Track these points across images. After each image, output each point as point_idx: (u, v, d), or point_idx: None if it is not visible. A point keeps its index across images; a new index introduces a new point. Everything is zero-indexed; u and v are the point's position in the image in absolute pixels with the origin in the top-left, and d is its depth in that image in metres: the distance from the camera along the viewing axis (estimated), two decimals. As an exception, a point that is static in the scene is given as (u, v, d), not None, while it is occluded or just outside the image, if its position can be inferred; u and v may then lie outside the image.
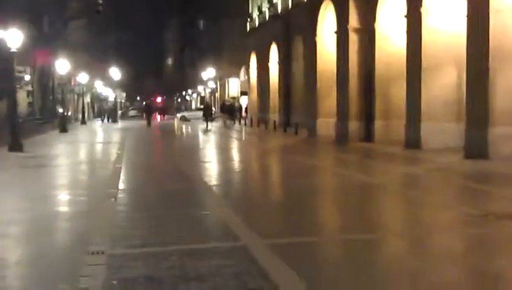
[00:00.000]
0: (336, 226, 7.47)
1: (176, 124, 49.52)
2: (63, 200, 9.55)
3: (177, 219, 7.52)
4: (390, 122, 21.34)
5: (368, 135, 21.98)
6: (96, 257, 5.76)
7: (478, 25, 15.27)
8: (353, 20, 22.02)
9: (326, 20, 25.03)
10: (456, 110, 18.13)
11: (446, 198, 9.59)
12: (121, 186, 11.11)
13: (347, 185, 10.99)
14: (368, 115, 22.03)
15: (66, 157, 17.88)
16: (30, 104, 40.54)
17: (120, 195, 9.95)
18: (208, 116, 40.03)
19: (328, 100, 25.22)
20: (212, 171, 13.80)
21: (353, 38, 22.08)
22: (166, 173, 13.56)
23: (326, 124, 25.06)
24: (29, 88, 40.51)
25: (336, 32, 23.32)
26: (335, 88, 23.94)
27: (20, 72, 41.33)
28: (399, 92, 20.58)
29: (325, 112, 25.45)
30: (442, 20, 17.89)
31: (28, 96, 41.88)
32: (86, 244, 6.22)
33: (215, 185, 11.13)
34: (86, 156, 18.99)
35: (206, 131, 33.88)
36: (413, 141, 18.29)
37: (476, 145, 15.14)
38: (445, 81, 18.11)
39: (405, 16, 18.92)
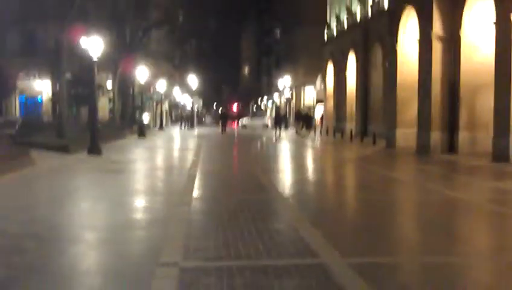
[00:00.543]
0: (420, 247, 6.87)
1: (250, 132, 49.54)
2: (137, 206, 9.46)
3: (252, 231, 7.19)
4: (476, 133, 20.28)
5: (451, 146, 20.96)
6: (167, 269, 5.51)
7: None
8: (437, 28, 21.10)
9: (408, 27, 24.16)
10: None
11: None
12: (196, 193, 10.94)
13: (433, 201, 10.30)
14: (451, 126, 21.01)
15: (142, 162, 18.05)
16: (111, 110, 41.80)
17: (194, 203, 9.76)
18: (279, 124, 39.59)
19: (408, 110, 24.33)
20: (287, 181, 13.41)
21: (437, 47, 21.15)
22: (240, 181, 13.32)
23: (405, 134, 24.17)
24: (111, 95, 41.82)
25: (418, 41, 22.43)
26: (416, 97, 23.04)
27: (102, 79, 42.91)
28: (485, 102, 19.56)
29: (404, 122, 24.56)
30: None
31: (109, 102, 43.24)
32: (158, 255, 6.00)
33: (291, 196, 10.74)
34: (162, 162, 19.11)
35: (277, 139, 33.56)
36: (501, 154, 17.21)
37: None
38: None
39: (494, 23, 17.89)
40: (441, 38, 21.11)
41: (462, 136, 20.50)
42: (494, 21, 17.85)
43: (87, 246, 6.66)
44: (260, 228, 7.41)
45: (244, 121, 66.94)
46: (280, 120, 40.69)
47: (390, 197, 11.13)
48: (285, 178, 14.14)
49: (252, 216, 8.24)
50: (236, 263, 5.72)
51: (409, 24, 24.05)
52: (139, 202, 9.84)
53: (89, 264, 5.95)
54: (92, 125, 19.07)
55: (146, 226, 7.78)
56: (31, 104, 49.54)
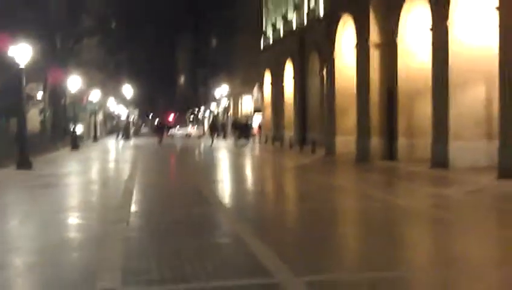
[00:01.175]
0: (366, 260, 6.52)
1: (187, 142, 48.83)
2: (71, 224, 8.72)
3: (198, 248, 6.67)
4: (414, 140, 20.43)
5: (390, 153, 21.04)
6: (106, 296, 4.93)
7: (511, 37, 14.42)
8: (374, 35, 21.23)
9: (345, 35, 24.26)
10: (486, 128, 17.26)
11: (486, 223, 8.66)
12: (133, 208, 10.30)
13: (376, 209, 10.08)
14: (390, 133, 21.11)
15: (76, 176, 17.13)
16: (42, 122, 40.08)
17: (132, 219, 9.12)
18: (214, 132, 42.28)
19: (347, 117, 24.38)
20: (229, 193, 12.97)
21: (374, 53, 21.26)
22: (180, 194, 12.74)
23: (345, 141, 24.19)
24: (42, 106, 40.12)
25: (355, 48, 22.52)
26: (354, 105, 23.09)
27: (32, 89, 41.10)
28: (423, 108, 19.74)
29: (343, 129, 24.59)
30: (470, 33, 17.05)
31: (40, 114, 41.46)
32: (94, 279, 5.39)
33: (235, 209, 10.27)
34: (97, 175, 18.22)
35: (212, 147, 33.77)
36: (440, 160, 17.35)
37: (510, 164, 14.18)
38: (474, 97, 17.22)
39: (430, 29, 18.09)
40: (377, 45, 21.24)
41: (401, 142, 20.62)
42: (430, 27, 18.05)
43: (13, 272, 5.94)
44: (206, 244, 6.91)
45: (176, 131, 66.33)
46: (215, 129, 43.08)
47: (333, 206, 10.87)
48: (227, 189, 13.70)
49: (196, 231, 7.73)
50: (183, 287, 5.19)
51: (346, 31, 24.15)
52: (73, 220, 9.10)
53: (14, 294, 5.28)
54: (20, 138, 17.97)
55: (80, 246, 7.11)
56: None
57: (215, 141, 39.10)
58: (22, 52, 17.13)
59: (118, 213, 9.40)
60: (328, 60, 25.87)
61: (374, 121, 21.51)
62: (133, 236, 7.61)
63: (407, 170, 17.61)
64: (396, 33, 20.33)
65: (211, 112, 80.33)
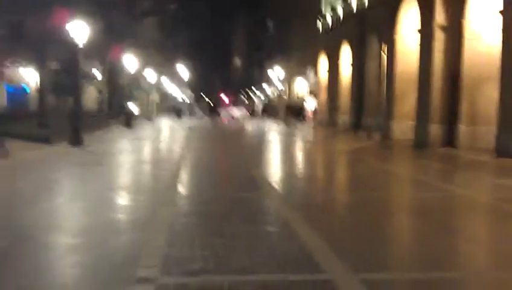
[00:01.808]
0: (433, 259, 5.94)
1: (241, 123, 48.60)
2: (115, 205, 8.42)
3: (245, 237, 6.22)
4: (477, 127, 19.38)
5: (450, 140, 20.06)
6: (143, 287, 4.55)
7: None
8: (439, 17, 20.15)
9: (408, 17, 23.21)
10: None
11: None
12: (182, 190, 9.97)
13: (441, 201, 9.37)
14: (451, 119, 20.11)
15: (125, 154, 17.01)
16: (99, 100, 40.61)
17: (180, 202, 8.78)
18: (266, 114, 41.55)
19: (406, 102, 23.44)
20: (280, 177, 12.44)
21: (439, 37, 20.20)
22: (231, 176, 12.33)
23: (402, 127, 23.29)
24: (99, 84, 40.62)
25: (419, 31, 21.48)
26: (413, 89, 22.13)
27: (90, 68, 41.64)
28: (488, 95, 18.68)
29: (401, 114, 23.68)
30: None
31: (98, 92, 42.00)
32: (135, 266, 5.03)
33: (286, 195, 9.76)
34: (147, 154, 18.07)
35: (263, 129, 33.76)
36: (506, 150, 16.31)
37: None
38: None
39: (500, 12, 16.95)
40: (443, 28, 20.17)
41: (463, 129, 19.60)
42: (500, 9, 16.91)
43: (53, 254, 5.66)
44: (255, 233, 6.45)
45: (233, 112, 66.18)
46: (266, 111, 43.39)
47: (391, 195, 10.23)
48: (278, 174, 13.18)
49: (246, 219, 7.28)
50: (227, 278, 4.77)
51: (409, 13, 23.09)
52: (118, 200, 8.80)
53: (54, 276, 4.98)
54: (74, 115, 17.96)
55: (123, 229, 6.80)
56: (18, 93, 48.25)
57: (267, 123, 38.79)
58: (79, 31, 17.05)
59: (166, 195, 9.08)
60: (388, 43, 24.87)
61: (435, 106, 20.53)
62: (180, 221, 7.22)
63: (470, 158, 16.66)
64: (463, 15, 19.23)
65: (265, 94, 79.92)
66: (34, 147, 16.57)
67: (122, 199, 8.86)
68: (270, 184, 10.94)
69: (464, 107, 19.65)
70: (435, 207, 8.66)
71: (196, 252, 5.58)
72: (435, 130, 20.44)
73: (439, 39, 20.29)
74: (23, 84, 47.74)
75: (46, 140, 17.56)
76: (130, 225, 7.06)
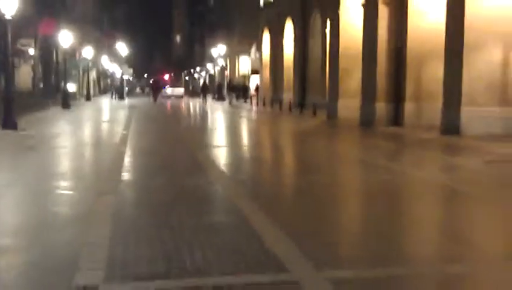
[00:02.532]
0: (389, 250, 5.61)
1: (183, 102, 47.72)
2: (50, 195, 7.67)
3: (195, 230, 5.70)
4: (422, 104, 19.41)
5: (396, 118, 20.06)
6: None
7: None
8: (384, -10, 19.97)
9: (352, -9, 22.94)
10: (501, 94, 16.27)
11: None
12: (124, 177, 9.31)
13: (393, 182, 9.11)
14: (396, 97, 20.08)
15: (64, 137, 16.08)
16: (33, 79, 38.78)
17: (122, 190, 8.15)
18: (204, 93, 42.53)
19: (351, 79, 23.29)
20: (227, 160, 11.96)
21: (383, 12, 20.01)
22: (175, 159, 11.74)
23: (347, 105, 23.13)
24: (34, 63, 38.76)
25: (363, 5, 21.23)
26: (359, 67, 21.97)
27: (23, 45, 39.61)
28: (433, 72, 18.69)
29: (347, 92, 23.51)
30: (489, -9, 15.87)
31: (32, 71, 40.07)
32: (72, 271, 4.43)
33: (234, 180, 9.26)
34: (86, 137, 17.17)
35: (204, 107, 33.67)
36: (451, 127, 16.36)
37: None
38: (489, 60, 16.14)
39: (444, -14, 16.86)
40: (387, 3, 19.98)
41: (408, 107, 19.60)
42: (445, -15, 16.82)
43: (-24, 258, 4.97)
44: (206, 225, 5.93)
45: (174, 90, 65.28)
46: (205, 90, 44.10)
47: (342, 178, 9.91)
48: (224, 156, 12.69)
49: (195, 208, 6.74)
50: (181, 284, 4.24)
51: (352, -12, 22.84)
52: (53, 190, 8.05)
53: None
54: (6, 96, 16.80)
55: (61, 225, 6.12)
56: None
57: (208, 102, 38.31)
58: (7, 1, 15.84)
59: (106, 183, 8.42)
60: (332, 18, 24.58)
61: (380, 83, 20.43)
62: (123, 214, 6.60)
63: (416, 136, 16.63)
64: (408, -11, 19.10)
65: (206, 72, 78.85)
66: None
67: (58, 189, 8.13)
68: (217, 168, 10.43)
69: (409, 84, 19.64)
70: (387, 190, 8.37)
71: (143, 251, 5.02)
72: (381, 108, 20.37)
73: (383, 15, 20.11)
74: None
75: (-26, 123, 16.38)
76: (67, 218, 6.40)
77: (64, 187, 8.28)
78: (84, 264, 4.63)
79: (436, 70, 18.04)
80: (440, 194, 8.42)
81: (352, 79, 23.15)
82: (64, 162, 11.33)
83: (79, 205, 7.06)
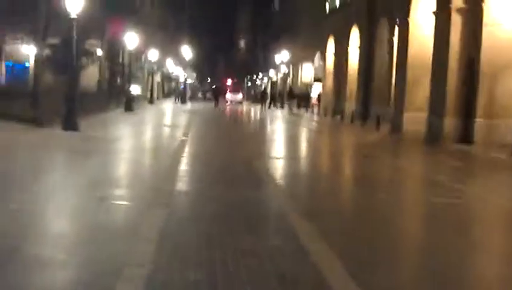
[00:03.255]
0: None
1: (243, 108, 47.59)
2: (99, 205, 7.30)
3: (248, 254, 5.21)
4: (495, 121, 18.28)
5: (465, 135, 18.94)
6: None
7: None
8: (457, -1, 18.95)
9: (423, -2, 21.99)
10: None
11: None
12: (180, 186, 8.96)
13: (467, 207, 8.35)
14: (467, 111, 18.99)
15: (122, 141, 15.98)
16: (99, 80, 39.50)
17: (177, 200, 7.77)
18: (264, 101, 41.42)
19: (418, 91, 22.28)
20: (287, 173, 11.45)
21: (456, 20, 18.97)
22: (233, 170, 11.29)
23: (414, 118, 22.10)
24: (100, 64, 39.48)
25: (434, 13, 20.27)
26: (427, 78, 20.99)
27: (92, 46, 40.43)
28: (508, 85, 17.63)
29: (413, 104, 22.50)
30: None
31: (99, 72, 40.85)
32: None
33: (294, 196, 8.70)
34: (145, 141, 17.05)
35: (263, 114, 33.25)
36: (527, 146, 15.26)
37: None
38: None
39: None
40: (460, 10, 18.92)
41: (480, 123, 18.49)
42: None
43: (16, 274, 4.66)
44: (259, 250, 5.43)
45: (236, 96, 65.34)
46: (264, 97, 43.32)
47: (413, 200, 9.22)
48: (284, 168, 12.16)
49: (249, 227, 6.25)
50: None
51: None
52: (106, 198, 7.70)
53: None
54: (69, 96, 16.87)
55: (104, 239, 5.76)
56: (18, 70, 47.08)
57: (267, 109, 37.86)
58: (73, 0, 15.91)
59: (160, 193, 8.06)
60: (400, 26, 23.66)
61: (450, 96, 19.35)
62: (174, 229, 6.18)
63: (488, 156, 15.58)
64: (484, -2, 18.05)
65: (269, 78, 78.69)
66: (24, 129, 15.55)
67: (109, 198, 7.83)
68: (274, 181, 9.94)
69: (482, 98, 18.53)
70: (463, 216, 7.64)
71: (187, 276, 4.57)
72: (449, 122, 19.28)
73: (456, 23, 19.06)
74: (25, 61, 46.61)
75: (37, 122, 16.53)
76: (113, 233, 6.03)
77: (116, 196, 7.97)
78: (124, 285, 4.23)
79: (512, 85, 17.03)
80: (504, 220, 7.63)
81: (420, 90, 22.15)
82: (120, 168, 11.12)
83: (129, 218, 6.71)
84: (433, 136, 19.58)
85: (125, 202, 7.64)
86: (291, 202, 8.04)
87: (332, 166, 13.68)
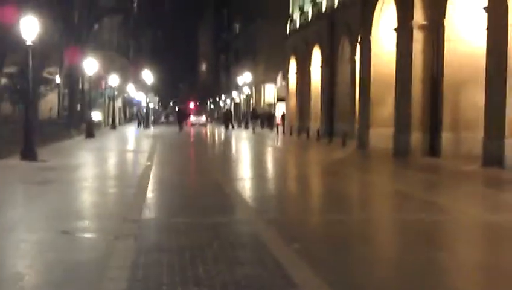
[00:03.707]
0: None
1: (208, 130, 47.18)
2: (61, 239, 6.82)
3: (224, 286, 4.81)
4: (461, 134, 18.37)
5: (432, 148, 18.99)
6: None
7: None
8: (418, 15, 19.08)
9: (384, 15, 22.12)
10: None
11: None
12: (146, 214, 8.49)
13: (454, 223, 8.12)
14: (433, 126, 19.05)
15: (83, 169, 15.36)
16: (58, 107, 38.59)
17: (143, 230, 7.30)
18: (228, 122, 40.89)
19: (383, 107, 22.36)
20: (258, 194, 11.08)
21: (418, 37, 19.11)
22: (201, 193, 10.87)
23: (379, 134, 22.14)
24: (59, 91, 38.64)
25: (396, 30, 20.39)
26: (391, 94, 21.04)
27: (51, 73, 39.57)
28: (472, 99, 17.74)
29: (378, 120, 22.54)
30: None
31: (59, 99, 39.95)
32: None
33: (268, 220, 8.31)
34: (108, 168, 16.45)
35: (227, 135, 32.96)
36: (493, 158, 15.27)
37: None
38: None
39: (485, 9, 15.94)
40: (422, 27, 19.08)
41: (445, 137, 18.54)
42: (485, 7, 15.90)
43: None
44: (237, 280, 5.03)
45: (199, 118, 65.01)
46: (228, 118, 42.37)
47: (393, 218, 8.94)
48: (255, 190, 11.80)
49: (224, 257, 5.84)
50: None
51: (384, 11, 22.01)
52: (65, 232, 7.14)
53: None
54: (26, 125, 16.19)
55: (68, 276, 5.27)
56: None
57: (232, 130, 37.62)
58: (29, 26, 15.35)
59: (126, 224, 7.58)
60: (362, 44, 23.74)
61: (415, 111, 19.43)
62: (142, 262, 5.73)
63: (457, 168, 15.57)
64: (444, 13, 18.21)
65: (231, 100, 78.51)
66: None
67: (71, 231, 7.30)
68: (245, 204, 9.57)
69: (446, 112, 18.62)
70: (452, 233, 7.39)
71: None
72: (416, 137, 19.33)
73: (418, 40, 19.21)
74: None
75: (-7, 153, 15.81)
76: (77, 269, 5.55)
77: (78, 229, 7.45)
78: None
79: (475, 97, 17.12)
80: (497, 236, 7.41)
81: (384, 107, 22.22)
82: (81, 198, 10.55)
83: (93, 252, 6.22)
84: (400, 150, 19.56)
85: (89, 235, 7.14)
86: (266, 226, 7.65)
87: (301, 185, 13.36)
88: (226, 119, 44.08)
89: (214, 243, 6.43)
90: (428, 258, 5.99)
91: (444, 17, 18.22)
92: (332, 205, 9.93)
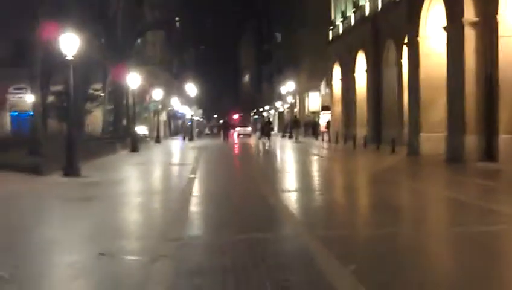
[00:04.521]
0: None
1: (252, 141, 46.74)
2: (96, 262, 6.28)
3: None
4: (520, 136, 17.25)
5: (489, 152, 17.90)
6: None
7: None
8: (469, 11, 18.09)
9: (431, 14, 21.18)
10: None
11: None
12: (187, 231, 7.96)
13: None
14: (489, 128, 17.97)
15: (127, 184, 15.03)
16: (103, 122, 38.83)
17: (183, 250, 6.75)
18: (266, 133, 37.31)
19: (434, 111, 21.37)
20: (307, 209, 10.39)
21: (469, 34, 18.12)
22: (246, 208, 10.27)
23: (430, 139, 21.15)
24: (105, 106, 38.91)
25: (445, 28, 19.43)
26: (443, 96, 20.06)
27: (97, 90, 39.98)
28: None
29: (429, 125, 21.55)
30: None
31: (103, 115, 40.25)
32: None
33: (320, 235, 7.66)
34: (151, 183, 16.06)
35: (266, 147, 32.46)
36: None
37: None
38: None
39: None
40: (474, 24, 18.08)
41: (503, 139, 17.44)
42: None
43: None
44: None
45: (243, 130, 65.07)
46: (265, 129, 39.70)
47: (461, 231, 8.13)
48: (303, 203, 11.10)
49: (271, 280, 5.22)
50: None
51: (431, 10, 21.07)
52: (98, 255, 6.62)
53: None
54: (68, 141, 15.99)
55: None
56: (23, 119, 46.64)
57: (271, 140, 36.76)
58: (69, 42, 15.21)
59: (166, 244, 7.04)
60: (410, 45, 22.81)
61: (469, 113, 18.39)
62: (183, 285, 5.17)
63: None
64: (497, 8, 17.19)
65: (275, 110, 78.02)
66: (22, 178, 14.66)
67: (108, 252, 6.80)
68: (294, 219, 8.93)
69: (503, 114, 17.53)
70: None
71: None
72: (470, 141, 18.26)
73: (469, 38, 18.20)
74: (29, 110, 46.14)
75: (36, 170, 15.64)
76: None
77: (115, 249, 6.94)
78: None
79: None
80: None
81: (435, 110, 21.23)
82: (121, 215, 10.09)
83: (128, 278, 5.69)
84: (454, 155, 18.54)
85: (126, 256, 6.63)
86: (317, 244, 6.99)
87: (353, 197, 12.59)
88: (265, 129, 43.12)
89: (259, 265, 5.80)
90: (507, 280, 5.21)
91: (497, 12, 17.21)
92: (387, 217, 9.15)
